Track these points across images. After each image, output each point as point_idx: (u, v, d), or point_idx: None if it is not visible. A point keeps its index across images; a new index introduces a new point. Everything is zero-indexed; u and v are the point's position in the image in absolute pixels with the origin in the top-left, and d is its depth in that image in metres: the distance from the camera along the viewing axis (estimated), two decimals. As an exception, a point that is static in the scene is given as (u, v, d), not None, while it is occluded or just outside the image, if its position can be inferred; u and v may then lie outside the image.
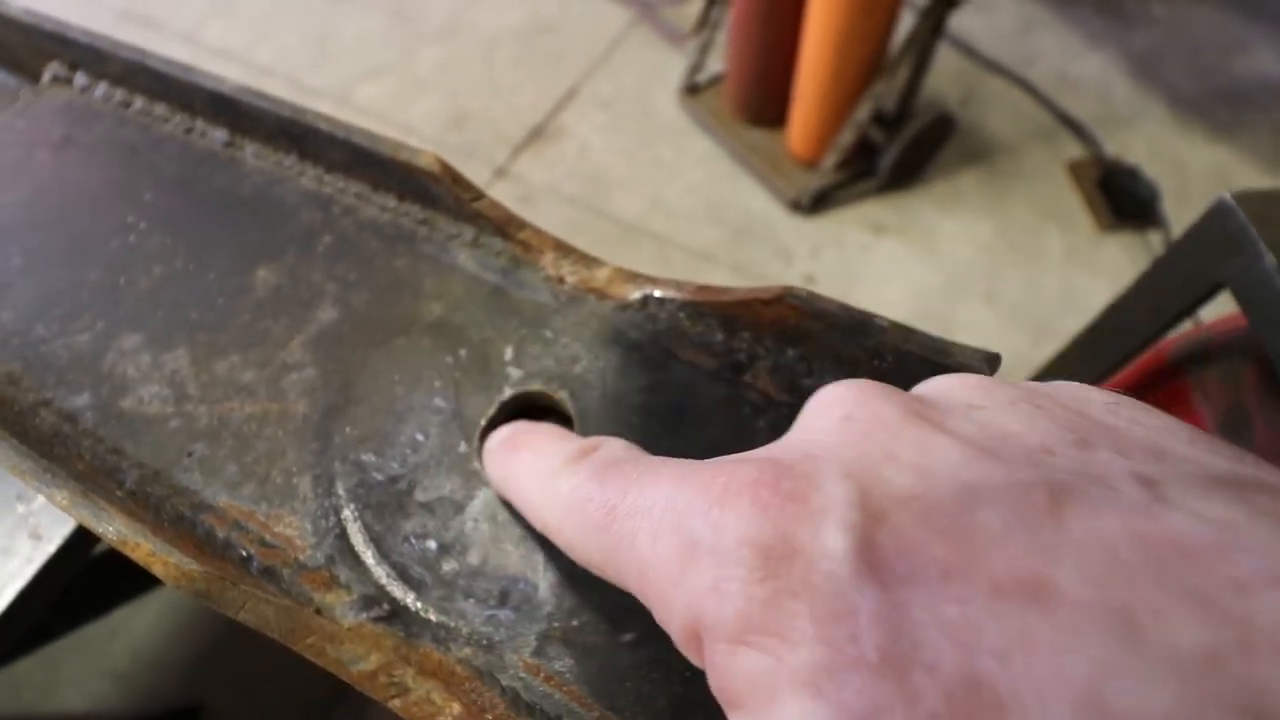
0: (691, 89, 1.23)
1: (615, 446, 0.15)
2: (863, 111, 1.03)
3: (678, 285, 0.22)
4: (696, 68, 1.22)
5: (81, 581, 0.38)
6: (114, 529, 0.16)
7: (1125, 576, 0.08)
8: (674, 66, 1.29)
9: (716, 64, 1.23)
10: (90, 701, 0.82)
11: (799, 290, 0.20)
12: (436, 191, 0.23)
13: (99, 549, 0.28)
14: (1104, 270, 1.13)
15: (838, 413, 0.12)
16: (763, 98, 1.14)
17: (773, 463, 0.12)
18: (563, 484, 0.15)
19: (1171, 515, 0.09)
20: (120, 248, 0.25)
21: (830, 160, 1.09)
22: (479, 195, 0.23)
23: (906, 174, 1.15)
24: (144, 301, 0.23)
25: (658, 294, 0.22)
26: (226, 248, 0.24)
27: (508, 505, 0.19)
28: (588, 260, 0.23)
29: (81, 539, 0.24)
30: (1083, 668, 0.08)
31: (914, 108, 1.12)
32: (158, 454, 0.20)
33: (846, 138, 1.06)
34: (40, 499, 0.24)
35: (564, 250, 0.23)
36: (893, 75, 1.02)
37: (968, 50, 1.35)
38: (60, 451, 0.20)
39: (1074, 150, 1.24)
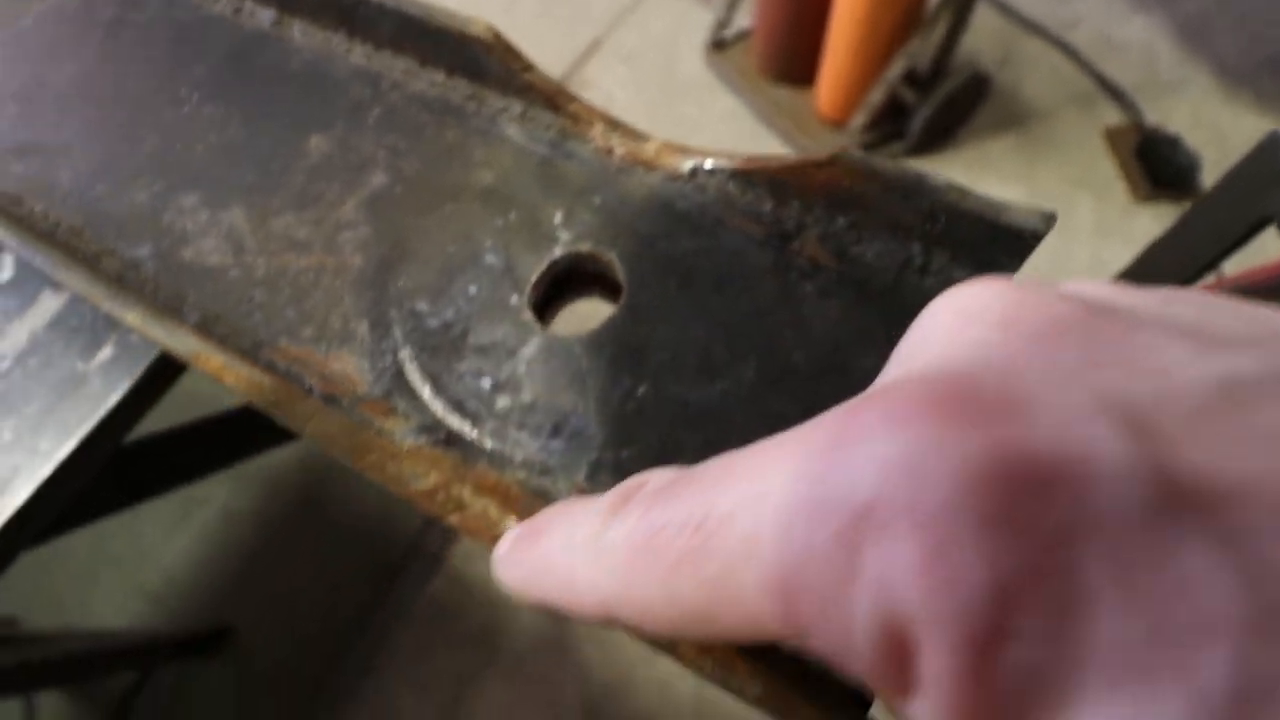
0: (718, 44, 1.21)
1: (663, 472, 0.11)
2: (895, 69, 1.01)
3: (728, 156, 0.22)
4: (724, 22, 1.19)
5: (126, 465, 0.39)
6: (187, 344, 0.17)
7: None
8: (700, 21, 1.27)
9: (744, 19, 1.20)
10: (126, 619, 0.86)
11: (852, 151, 0.20)
12: (486, 63, 0.23)
13: (133, 437, 0.29)
14: (1137, 242, 1.10)
15: (991, 317, 0.09)
16: (791, 54, 1.12)
17: (940, 379, 0.08)
18: (614, 534, 0.11)
19: None
20: (174, 118, 0.25)
21: (859, 120, 1.07)
22: (529, 66, 0.23)
23: (937, 137, 1.13)
24: (200, 165, 0.24)
25: (708, 164, 0.22)
26: (278, 119, 0.25)
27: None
28: (636, 134, 0.23)
29: (137, 399, 0.25)
30: None
31: (948, 67, 1.09)
32: (218, 299, 0.20)
33: (877, 96, 1.04)
34: (100, 356, 0.25)
35: (612, 124, 0.23)
36: (929, 32, 0.99)
37: (1007, 9, 1.31)
38: (125, 292, 0.20)
39: (1113, 117, 1.21)
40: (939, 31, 1.02)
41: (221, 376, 0.17)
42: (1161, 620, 0.06)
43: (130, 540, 0.90)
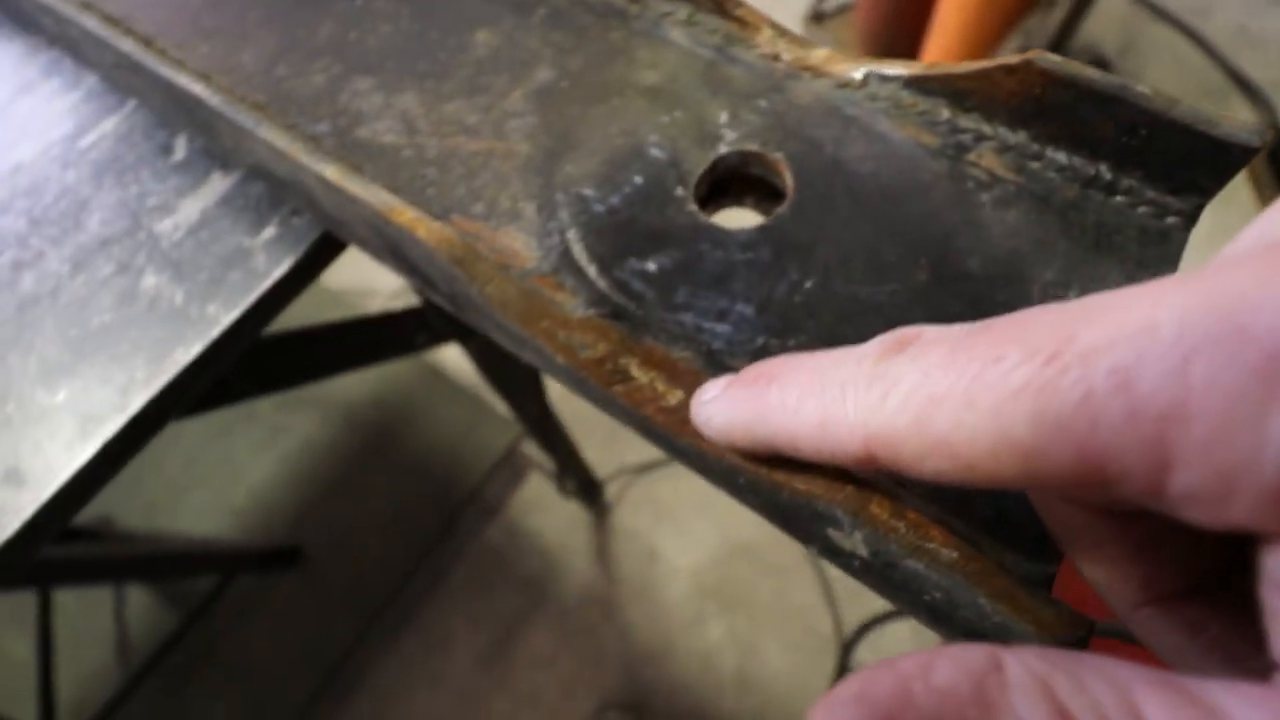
0: (817, 17, 1.17)
1: (937, 326, 0.11)
2: (1009, 48, 0.95)
3: (904, 64, 0.21)
4: (825, -5, 1.16)
5: (257, 357, 0.42)
6: (380, 197, 0.18)
7: None
8: (800, -7, 1.23)
9: (847, -8, 1.16)
10: (209, 531, 0.92)
11: (1048, 55, 0.19)
12: (654, -36, 0.23)
13: (271, 329, 0.30)
14: (1257, 252, 1.02)
15: None
16: (896, 28, 1.07)
17: None
18: (905, 369, 0.10)
19: None
20: (348, 9, 0.26)
21: (960, 102, 1.02)
22: (698, -32, 0.23)
23: (1043, 125, 1.07)
24: (373, 53, 0.24)
25: (884, 70, 0.21)
26: (445, 13, 0.25)
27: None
28: (803, 41, 0.22)
29: (296, 277, 0.26)
30: None
31: (1066, 50, 1.02)
32: (394, 174, 0.21)
33: (984, 77, 0.99)
34: (264, 235, 0.26)
35: (780, 30, 0.23)
36: (1049, 10, 0.94)
37: (1133, -5, 1.22)
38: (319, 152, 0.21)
39: (1244, 116, 1.11)
40: (1061, 9, 0.96)
41: (414, 229, 0.17)
42: None
43: (220, 459, 0.96)
